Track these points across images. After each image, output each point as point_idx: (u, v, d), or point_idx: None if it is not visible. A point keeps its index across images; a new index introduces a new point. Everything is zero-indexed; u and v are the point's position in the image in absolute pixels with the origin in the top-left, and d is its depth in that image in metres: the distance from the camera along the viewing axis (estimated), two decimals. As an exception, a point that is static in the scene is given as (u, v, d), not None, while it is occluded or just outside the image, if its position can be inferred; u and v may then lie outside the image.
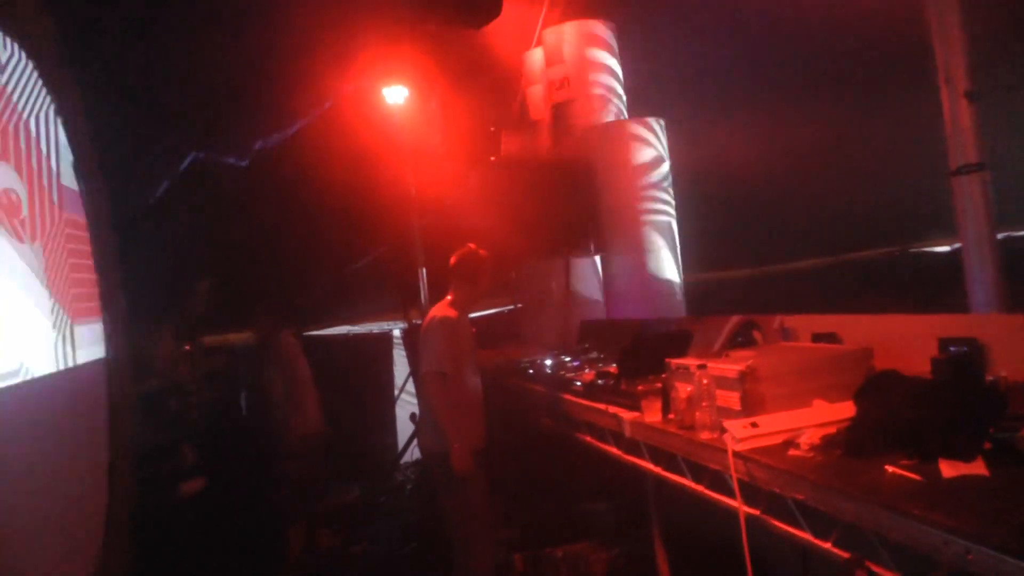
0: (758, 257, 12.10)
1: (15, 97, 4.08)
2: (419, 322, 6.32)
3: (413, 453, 8.51)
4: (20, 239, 3.87)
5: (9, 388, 3.45)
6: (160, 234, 7.54)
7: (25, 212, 3.97)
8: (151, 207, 8.25)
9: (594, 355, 5.79)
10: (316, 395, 7.28)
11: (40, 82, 4.47)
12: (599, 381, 4.77)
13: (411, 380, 9.18)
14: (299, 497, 7.18)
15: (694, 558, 4.62)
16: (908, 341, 3.76)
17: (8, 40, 4.06)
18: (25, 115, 4.19)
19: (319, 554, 7.27)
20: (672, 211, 7.60)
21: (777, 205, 10.92)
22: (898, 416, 2.88)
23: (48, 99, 4.58)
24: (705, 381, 3.46)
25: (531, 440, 6.15)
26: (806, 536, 2.87)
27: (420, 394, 6.86)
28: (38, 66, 4.42)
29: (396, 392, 10.10)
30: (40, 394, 3.87)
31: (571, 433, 5.10)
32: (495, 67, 8.19)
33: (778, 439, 3.14)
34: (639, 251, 7.39)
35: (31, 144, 4.23)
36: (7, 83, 4.00)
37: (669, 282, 7.43)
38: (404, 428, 9.52)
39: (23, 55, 4.24)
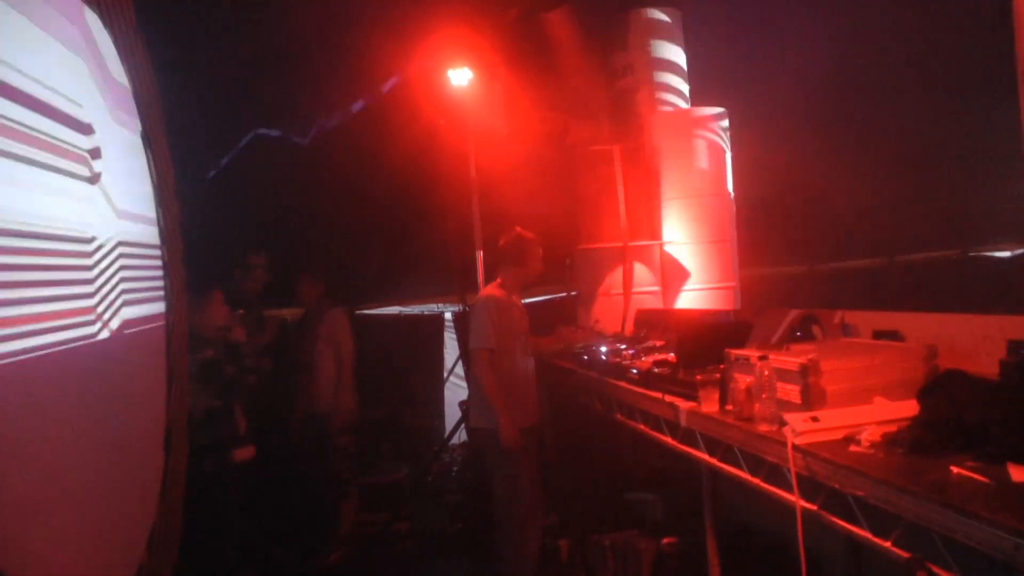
0: (811, 254, 11.93)
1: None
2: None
3: (461, 436, 8.54)
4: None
5: (72, 350, 3.51)
6: (220, 206, 7.62)
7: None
8: (212, 180, 8.37)
9: (650, 344, 5.76)
10: (352, 376, 7.32)
11: (113, 51, 4.53)
12: (656, 369, 4.74)
13: (460, 363, 9.21)
14: (332, 473, 7.24)
15: (744, 550, 4.59)
16: (975, 342, 3.69)
17: (86, 7, 4.12)
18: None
19: (364, 529, 7.35)
20: (731, 203, 7.55)
21: (832, 201, 10.74)
22: (965, 416, 2.83)
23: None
24: (766, 373, 3.43)
25: (581, 426, 6.15)
26: (865, 534, 2.83)
27: (469, 375, 6.91)
28: (112, 34, 4.49)
29: (445, 374, 10.15)
30: (101, 356, 3.93)
31: (624, 420, 5.09)
32: (562, 52, 8.14)
33: (838, 435, 3.10)
34: (697, 241, 7.37)
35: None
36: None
37: (726, 274, 7.39)
38: (452, 411, 9.57)
39: (100, 23, 4.31)
